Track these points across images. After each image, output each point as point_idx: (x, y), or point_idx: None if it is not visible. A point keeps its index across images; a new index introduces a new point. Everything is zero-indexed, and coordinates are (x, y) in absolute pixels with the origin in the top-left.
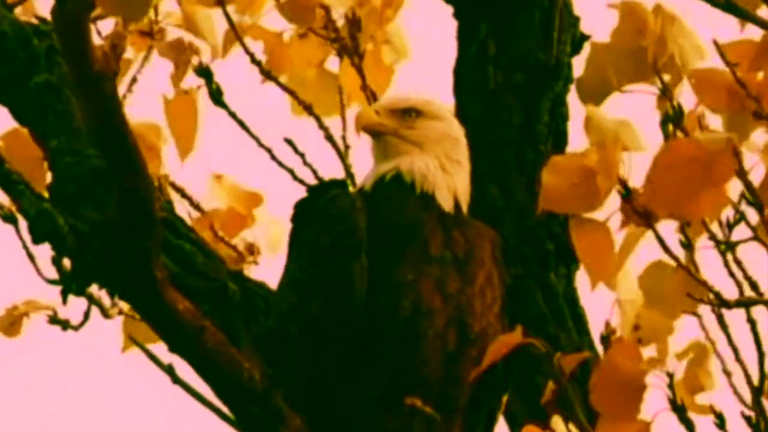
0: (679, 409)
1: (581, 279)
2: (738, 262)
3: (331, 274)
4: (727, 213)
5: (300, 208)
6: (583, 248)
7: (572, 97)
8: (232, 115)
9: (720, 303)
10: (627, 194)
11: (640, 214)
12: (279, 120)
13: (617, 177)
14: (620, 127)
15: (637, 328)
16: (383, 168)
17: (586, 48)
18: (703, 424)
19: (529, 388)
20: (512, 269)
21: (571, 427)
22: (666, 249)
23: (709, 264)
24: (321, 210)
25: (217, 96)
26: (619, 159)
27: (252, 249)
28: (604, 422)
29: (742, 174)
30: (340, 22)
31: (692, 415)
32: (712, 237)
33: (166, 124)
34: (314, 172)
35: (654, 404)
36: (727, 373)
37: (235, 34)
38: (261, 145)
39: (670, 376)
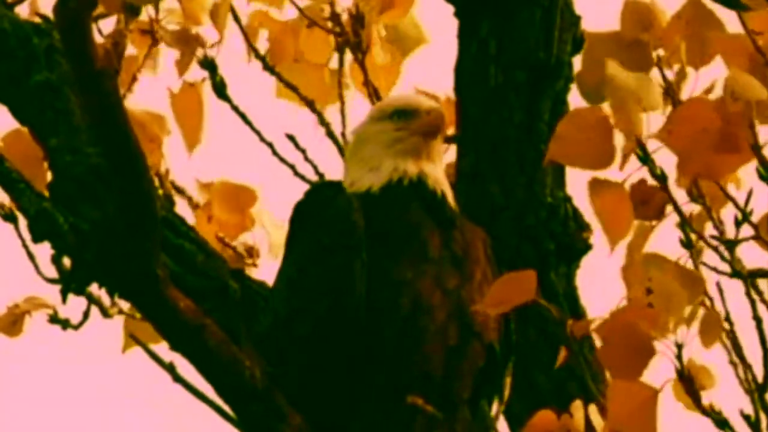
0: (686, 380)
1: (581, 278)
2: (738, 261)
3: (331, 273)
4: (731, 212)
5: (297, 209)
6: (600, 209)
7: (573, 96)
8: (235, 108)
9: (732, 274)
10: (644, 157)
11: (656, 176)
12: (281, 115)
13: (635, 136)
14: (640, 84)
15: (649, 292)
16: (402, 168)
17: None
18: (703, 421)
19: (529, 385)
20: (503, 268)
21: (591, 409)
22: (680, 213)
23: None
24: (319, 211)
25: (220, 89)
26: (640, 119)
27: (251, 252)
28: (614, 388)
29: (756, 148)
30: (345, 17)
31: (692, 413)
32: (717, 236)
33: (173, 117)
34: (315, 168)
35: (664, 376)
36: (734, 364)
37: (240, 30)
38: (263, 140)
39: (679, 346)
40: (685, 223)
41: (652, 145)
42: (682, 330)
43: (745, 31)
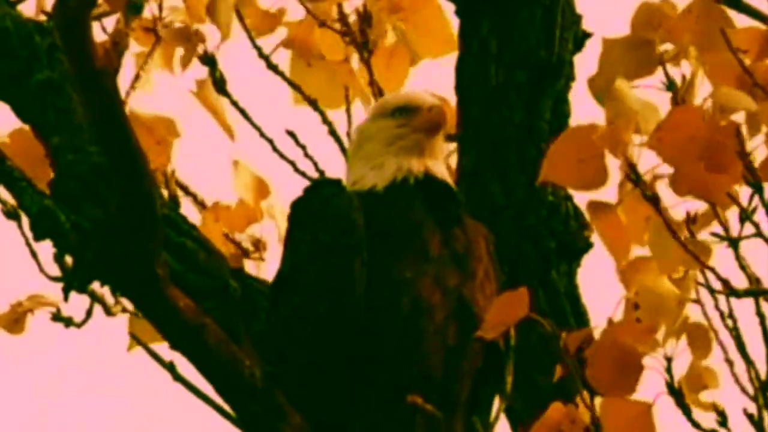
0: (676, 393)
1: (583, 277)
2: (741, 259)
3: (331, 272)
4: (734, 211)
5: (295, 207)
6: (601, 231)
7: (574, 95)
8: (235, 104)
9: (729, 292)
10: (636, 178)
11: (647, 197)
12: (281, 111)
13: (626, 157)
14: (642, 107)
15: (637, 307)
16: (406, 166)
17: (591, 46)
18: (704, 420)
19: (530, 385)
20: (505, 266)
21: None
22: (674, 234)
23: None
24: (318, 209)
25: (220, 85)
26: (630, 139)
27: (258, 244)
28: (606, 403)
29: (743, 154)
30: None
31: (694, 411)
32: (718, 235)
33: (209, 115)
34: (315, 164)
35: (655, 388)
36: (729, 362)
37: (243, 26)
38: (263, 135)
39: (669, 359)
40: (681, 242)
41: (644, 164)
42: (671, 343)
43: (731, 51)
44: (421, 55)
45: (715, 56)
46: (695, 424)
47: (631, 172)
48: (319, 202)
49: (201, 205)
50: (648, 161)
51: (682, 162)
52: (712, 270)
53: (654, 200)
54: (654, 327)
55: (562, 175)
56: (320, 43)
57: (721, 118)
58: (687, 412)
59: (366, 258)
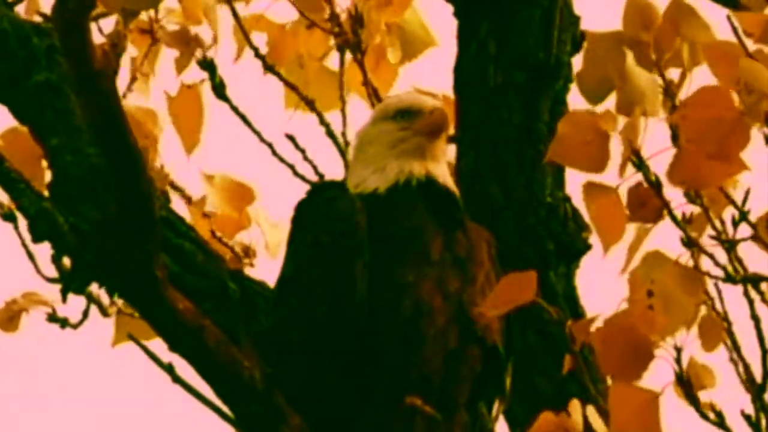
0: (685, 384)
1: (581, 278)
2: (739, 261)
3: (332, 274)
4: (731, 212)
5: (298, 209)
6: (594, 212)
7: (572, 97)
8: (234, 109)
9: (726, 278)
10: (640, 164)
11: (651, 183)
12: (280, 115)
13: (630, 141)
14: (648, 86)
15: (651, 295)
16: (408, 169)
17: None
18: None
19: (529, 388)
20: (507, 269)
21: (589, 409)
22: (674, 218)
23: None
24: (320, 211)
25: (220, 90)
26: (639, 123)
27: (248, 251)
28: (614, 393)
29: None
30: (344, 17)
31: (692, 410)
32: (714, 237)
33: (170, 119)
34: (314, 168)
35: (662, 380)
36: (735, 362)
37: (240, 28)
38: (262, 140)
39: (678, 350)
40: (680, 227)
41: (647, 151)
42: (682, 334)
43: (735, 36)
44: (409, 54)
45: (716, 42)
46: (704, 416)
47: (634, 157)
48: (322, 204)
49: (188, 200)
50: (651, 146)
51: (700, 143)
52: (710, 256)
53: (657, 185)
54: (666, 315)
55: (567, 157)
56: (303, 47)
57: (747, 97)
58: (695, 403)
59: (367, 260)
